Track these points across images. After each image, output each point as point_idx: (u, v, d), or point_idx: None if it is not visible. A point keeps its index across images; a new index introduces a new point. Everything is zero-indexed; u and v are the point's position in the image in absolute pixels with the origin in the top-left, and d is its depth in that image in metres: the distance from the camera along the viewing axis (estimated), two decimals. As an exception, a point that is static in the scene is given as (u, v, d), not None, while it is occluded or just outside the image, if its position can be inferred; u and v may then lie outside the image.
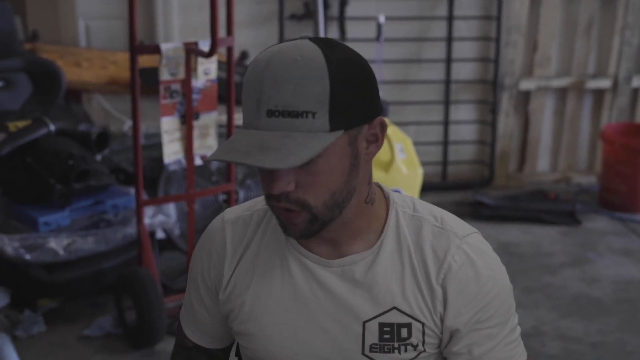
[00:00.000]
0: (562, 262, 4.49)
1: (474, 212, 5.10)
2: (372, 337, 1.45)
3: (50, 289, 3.65)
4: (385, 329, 1.44)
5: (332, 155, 1.31)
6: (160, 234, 3.92)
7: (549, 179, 5.70)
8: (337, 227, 1.41)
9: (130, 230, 3.70)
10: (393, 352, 1.44)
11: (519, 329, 1.51)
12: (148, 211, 3.74)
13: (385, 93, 5.09)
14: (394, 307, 1.43)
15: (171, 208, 3.94)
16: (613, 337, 3.69)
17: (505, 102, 5.51)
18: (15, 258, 3.49)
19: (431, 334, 1.45)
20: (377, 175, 4.56)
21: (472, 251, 1.44)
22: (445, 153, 5.59)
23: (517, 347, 1.49)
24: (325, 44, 1.32)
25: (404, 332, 1.44)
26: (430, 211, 1.49)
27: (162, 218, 3.85)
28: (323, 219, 1.36)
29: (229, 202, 3.75)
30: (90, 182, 3.63)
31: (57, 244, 3.56)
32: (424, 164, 4.78)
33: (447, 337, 1.46)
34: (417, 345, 1.45)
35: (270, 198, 1.36)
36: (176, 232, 3.99)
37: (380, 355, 1.45)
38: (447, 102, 5.50)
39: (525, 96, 5.59)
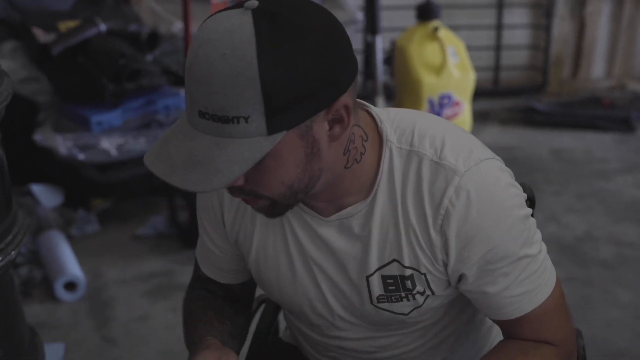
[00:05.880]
0: (616, 169, 4.43)
1: (526, 119, 5.03)
2: (377, 289, 1.37)
3: (103, 189, 3.68)
4: (388, 280, 1.36)
5: (279, 153, 1.16)
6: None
7: (603, 86, 5.58)
8: (320, 193, 1.30)
9: (182, 131, 3.69)
10: (401, 300, 1.37)
11: (542, 254, 1.35)
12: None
13: (437, -4, 4.98)
14: (394, 260, 1.34)
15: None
16: (668, 243, 3.65)
17: (561, 6, 5.36)
18: (69, 157, 3.51)
19: (436, 280, 1.35)
20: (429, 79, 4.50)
21: (473, 189, 1.26)
22: (497, 58, 5.49)
23: (539, 277, 1.34)
24: (267, 20, 1.12)
25: (408, 284, 1.35)
26: (432, 139, 1.30)
27: (213, 119, 3.84)
28: (285, 203, 1.26)
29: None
30: (141, 81, 3.62)
31: (109, 144, 3.57)
32: (475, 69, 4.69)
33: (455, 279, 1.35)
34: (424, 291, 1.36)
35: None
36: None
37: (389, 305, 1.38)
38: (500, 6, 5.37)
39: (582, -1, 5.45)
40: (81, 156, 3.52)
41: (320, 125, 1.18)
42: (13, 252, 1.99)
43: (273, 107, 1.11)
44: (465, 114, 4.66)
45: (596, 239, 3.65)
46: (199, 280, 1.58)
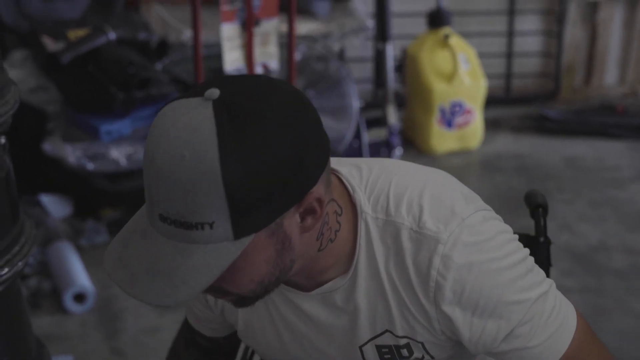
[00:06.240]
0: (630, 177, 4.39)
1: (538, 126, 5.00)
2: (373, 357, 1.32)
3: (112, 198, 3.68)
4: (383, 350, 1.30)
5: (248, 255, 1.09)
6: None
7: (616, 93, 5.54)
8: (294, 275, 1.22)
9: (191, 140, 3.68)
10: None
11: (553, 286, 1.26)
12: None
13: (448, 2, 4.96)
14: (387, 330, 1.28)
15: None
16: (683, 252, 3.61)
17: (573, 12, 5.33)
18: (78, 167, 3.50)
19: (434, 347, 1.28)
20: (440, 87, 4.48)
21: (461, 254, 1.18)
22: (509, 65, 5.46)
23: (560, 311, 1.25)
24: (229, 114, 1.04)
25: (404, 352, 1.29)
26: (409, 204, 1.22)
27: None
28: (255, 297, 1.19)
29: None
30: (151, 90, 3.61)
31: (119, 154, 3.56)
32: (487, 76, 4.68)
33: (478, 349, 1.26)
34: (423, 357, 1.30)
35: None
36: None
37: None
38: (511, 12, 5.34)
39: (594, 5, 5.40)
40: (90, 166, 3.51)
41: (290, 220, 1.11)
42: (20, 263, 1.97)
43: (239, 211, 1.04)
44: (476, 122, 4.64)
45: (610, 248, 3.62)
46: (189, 326, 1.55)
